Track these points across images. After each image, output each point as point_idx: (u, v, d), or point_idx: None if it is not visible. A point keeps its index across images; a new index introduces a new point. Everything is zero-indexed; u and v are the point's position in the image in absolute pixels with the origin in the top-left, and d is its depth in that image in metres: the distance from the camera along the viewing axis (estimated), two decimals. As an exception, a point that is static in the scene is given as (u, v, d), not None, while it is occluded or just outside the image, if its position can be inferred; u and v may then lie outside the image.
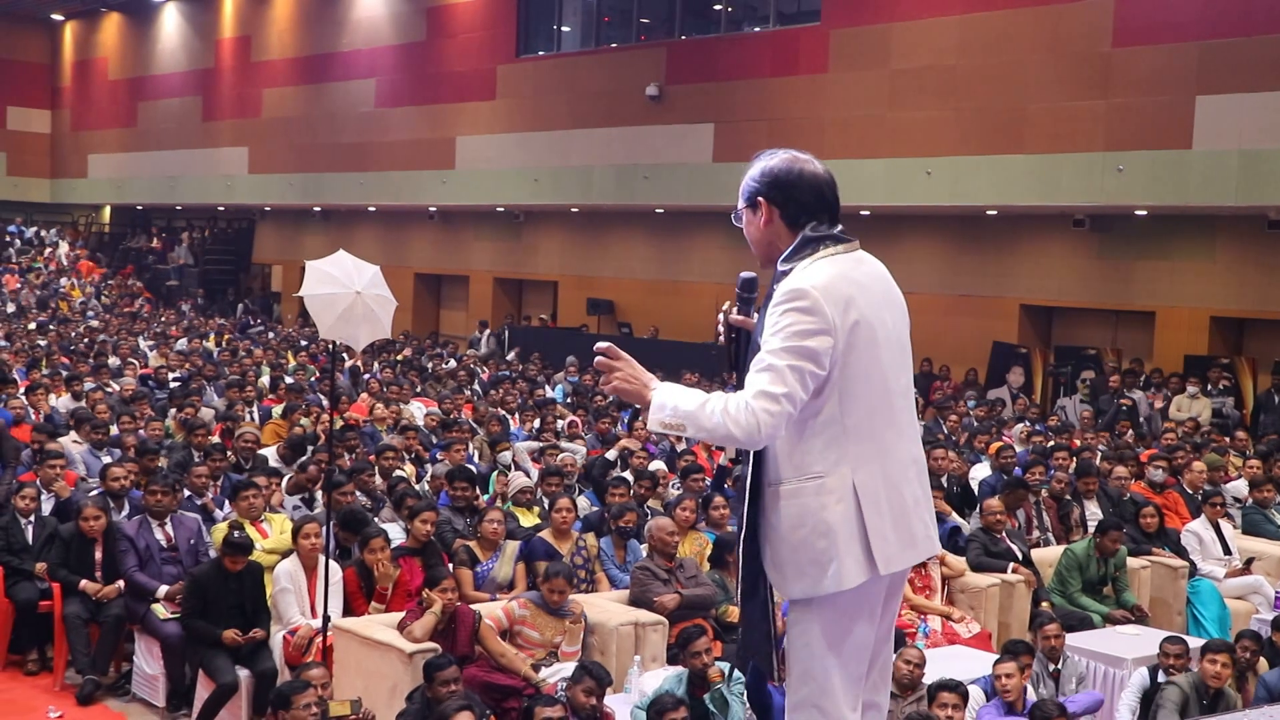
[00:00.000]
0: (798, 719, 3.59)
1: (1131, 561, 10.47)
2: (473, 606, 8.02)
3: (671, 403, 3.37)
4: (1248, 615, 10.50)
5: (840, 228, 3.62)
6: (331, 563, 8.43)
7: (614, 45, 27.04)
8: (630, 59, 25.92)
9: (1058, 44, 19.42)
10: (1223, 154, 17.65)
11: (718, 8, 25.37)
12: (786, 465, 3.50)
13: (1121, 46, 18.75)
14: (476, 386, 20.02)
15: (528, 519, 10.44)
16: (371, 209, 32.49)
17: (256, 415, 15.38)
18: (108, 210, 44.05)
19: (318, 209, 34.39)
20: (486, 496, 11.32)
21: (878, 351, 3.49)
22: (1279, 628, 8.96)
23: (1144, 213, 19.66)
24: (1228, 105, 17.66)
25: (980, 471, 13.24)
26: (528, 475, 11.94)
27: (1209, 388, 18.39)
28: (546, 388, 20.44)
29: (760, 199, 3.61)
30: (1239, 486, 13.00)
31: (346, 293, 8.52)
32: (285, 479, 11.08)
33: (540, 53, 28.28)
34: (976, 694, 7.44)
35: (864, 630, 3.57)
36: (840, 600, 3.49)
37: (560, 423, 15.43)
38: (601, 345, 3.49)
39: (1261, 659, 8.61)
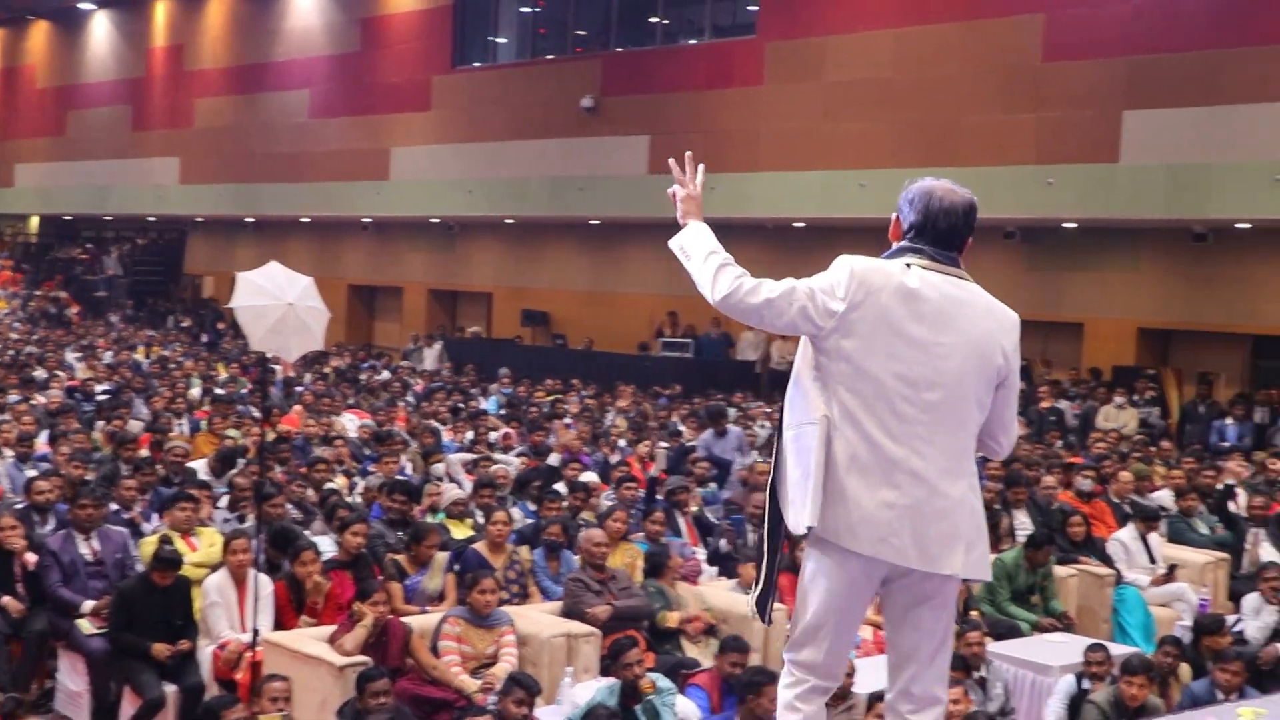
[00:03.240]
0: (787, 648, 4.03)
1: (1059, 570, 10.58)
2: (403, 619, 7.99)
3: (695, 239, 3.94)
4: (1171, 622, 10.63)
5: (939, 250, 3.95)
6: (261, 576, 8.35)
7: (550, 57, 27.04)
8: (565, 71, 25.92)
9: (990, 58, 19.62)
10: (1149, 168, 17.89)
11: (653, 20, 25.42)
12: (794, 413, 3.86)
13: (1051, 61, 18.98)
14: (410, 398, 19.92)
15: (460, 531, 10.39)
16: (305, 220, 32.29)
17: (186, 428, 15.21)
18: (35, 220, 43.48)
19: (250, 220, 34.11)
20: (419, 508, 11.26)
21: (889, 354, 3.77)
22: (1202, 631, 9.09)
23: (1073, 225, 19.89)
24: (1154, 120, 17.91)
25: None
26: (460, 487, 11.89)
27: (1136, 398, 18.62)
28: (480, 399, 20.37)
29: (895, 214, 4.07)
30: (1164, 496, 13.17)
31: (278, 304, 8.48)
32: (220, 495, 10.96)
33: (476, 64, 28.23)
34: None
35: (830, 588, 3.85)
36: (819, 545, 3.83)
37: (493, 434, 15.39)
38: (688, 157, 4.11)
39: (1183, 665, 8.73)
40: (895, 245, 3.98)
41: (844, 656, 4.03)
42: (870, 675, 8.18)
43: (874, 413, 3.76)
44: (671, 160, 4.12)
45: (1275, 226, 17.61)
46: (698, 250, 3.88)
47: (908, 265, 3.86)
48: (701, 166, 4.10)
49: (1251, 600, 9.91)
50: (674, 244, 3.96)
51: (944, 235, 3.94)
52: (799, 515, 3.76)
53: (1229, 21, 17.44)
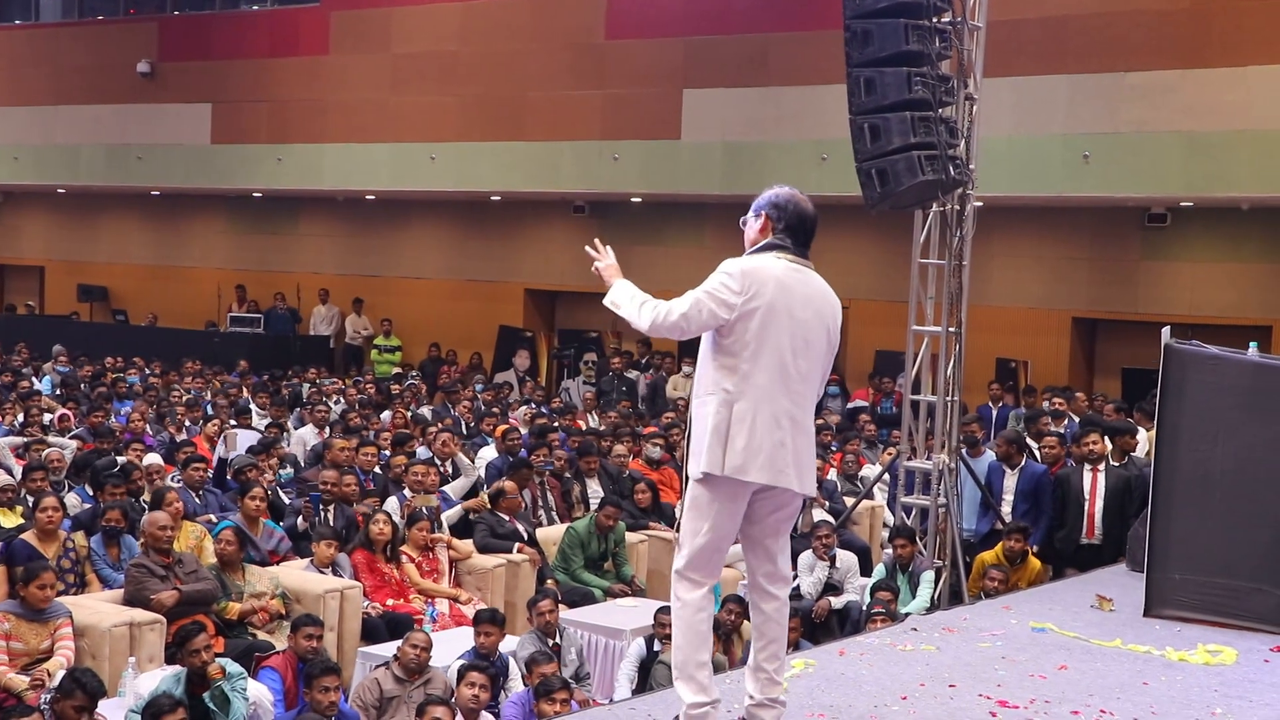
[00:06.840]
0: (676, 559, 5.09)
1: (630, 536, 10.91)
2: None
3: (620, 293, 5.02)
4: (735, 581, 11.13)
5: (798, 246, 5.06)
6: None
7: (100, 18, 25.67)
8: (119, 33, 24.65)
9: (556, 34, 19.93)
10: (708, 145, 18.64)
11: (213, -17, 24.54)
12: (700, 385, 4.95)
13: (614, 39, 19.47)
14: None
15: (10, 519, 9.80)
16: None
17: None
18: None
19: None
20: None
21: (776, 330, 4.81)
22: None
23: (639, 200, 20.49)
24: (711, 99, 18.67)
25: (488, 454, 13.43)
26: (10, 473, 11.17)
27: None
28: (33, 379, 19.16)
29: (764, 212, 5.17)
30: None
31: None
32: None
33: (17, 21, 26.50)
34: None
35: (722, 514, 4.92)
36: (712, 483, 4.85)
37: (48, 416, 14.55)
38: (595, 242, 5.24)
39: (745, 622, 9.15)
40: (764, 241, 5.06)
41: (723, 563, 5.13)
42: (447, 648, 8.23)
43: (770, 377, 4.81)
44: (587, 247, 5.26)
45: (823, 203, 18.58)
46: (625, 301, 4.97)
47: (777, 259, 4.94)
48: (609, 249, 5.24)
49: (806, 558, 10.50)
50: (607, 301, 5.05)
51: (808, 234, 5.10)
52: (697, 463, 4.84)
53: (777, 6, 18.35)
